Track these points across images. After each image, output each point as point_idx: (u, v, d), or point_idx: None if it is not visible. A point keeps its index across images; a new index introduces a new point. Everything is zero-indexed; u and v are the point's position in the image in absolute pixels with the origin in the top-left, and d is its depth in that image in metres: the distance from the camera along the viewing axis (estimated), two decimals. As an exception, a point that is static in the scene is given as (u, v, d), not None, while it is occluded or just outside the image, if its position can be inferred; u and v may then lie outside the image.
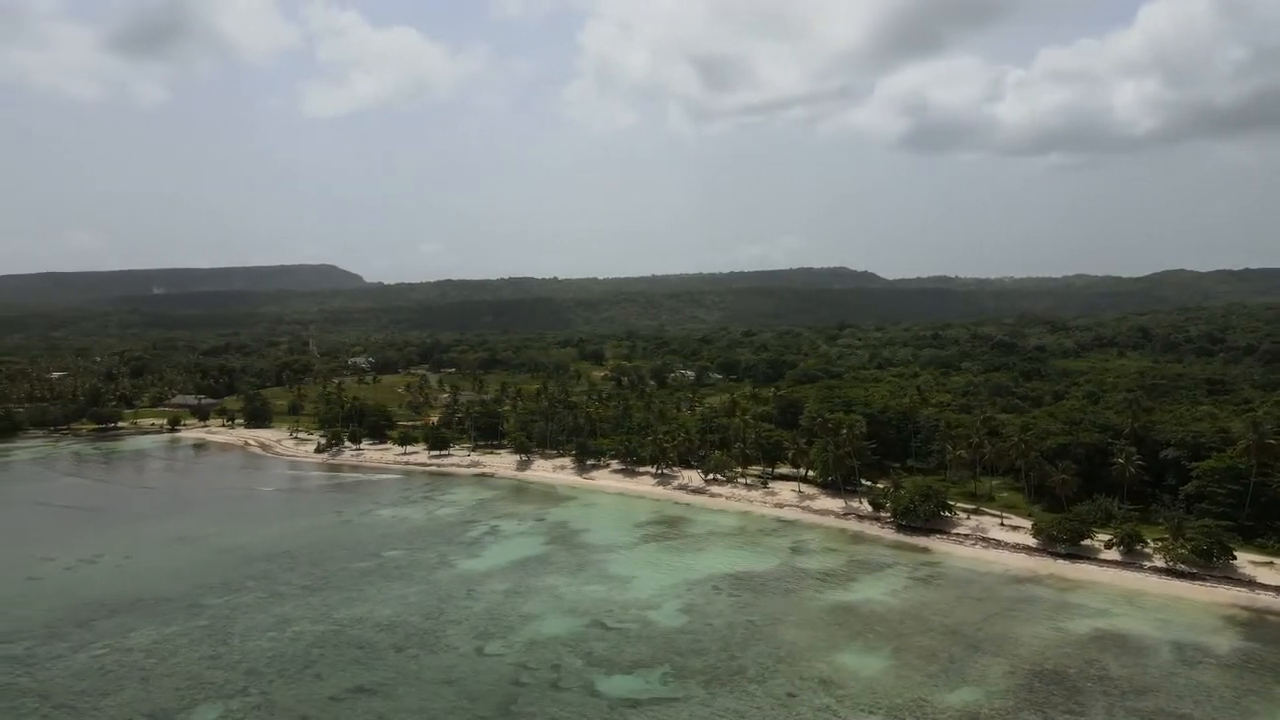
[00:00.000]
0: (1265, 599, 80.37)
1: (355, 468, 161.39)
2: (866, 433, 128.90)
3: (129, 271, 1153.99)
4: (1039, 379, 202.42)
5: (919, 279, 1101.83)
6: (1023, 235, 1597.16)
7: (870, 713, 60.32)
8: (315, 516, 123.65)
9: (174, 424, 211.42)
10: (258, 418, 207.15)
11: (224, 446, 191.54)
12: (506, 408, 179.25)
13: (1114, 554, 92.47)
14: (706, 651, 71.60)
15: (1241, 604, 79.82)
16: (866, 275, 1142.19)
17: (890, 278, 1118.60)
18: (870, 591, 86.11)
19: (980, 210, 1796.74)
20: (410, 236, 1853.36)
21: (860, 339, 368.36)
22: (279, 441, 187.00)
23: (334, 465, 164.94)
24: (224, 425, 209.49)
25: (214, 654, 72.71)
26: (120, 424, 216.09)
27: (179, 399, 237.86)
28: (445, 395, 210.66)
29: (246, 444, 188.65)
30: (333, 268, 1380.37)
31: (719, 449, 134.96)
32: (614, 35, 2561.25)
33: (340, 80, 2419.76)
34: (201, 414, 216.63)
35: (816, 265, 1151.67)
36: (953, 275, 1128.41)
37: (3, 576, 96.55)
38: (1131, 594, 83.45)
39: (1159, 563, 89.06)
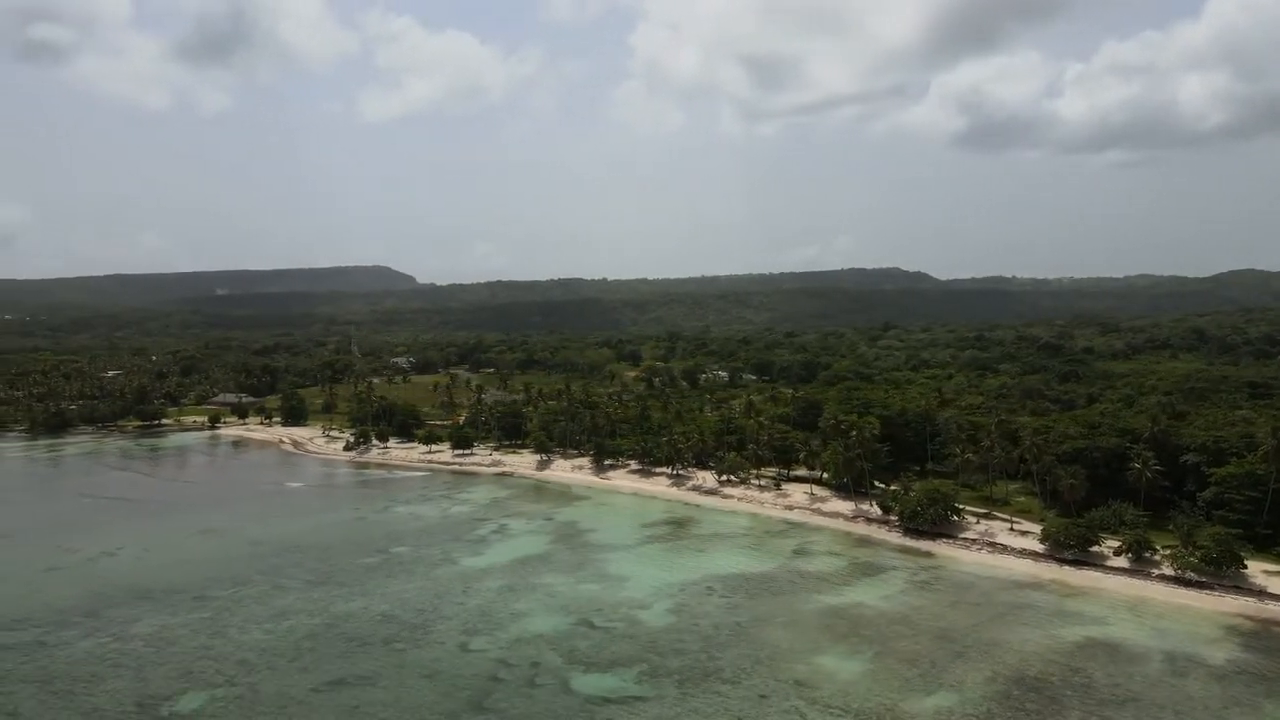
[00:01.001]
0: (1273, 609, 77.95)
1: (380, 465, 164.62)
2: (883, 435, 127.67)
3: (194, 273, 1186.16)
4: (1075, 381, 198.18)
5: (973, 279, 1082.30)
6: (1082, 234, 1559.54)
7: (838, 716, 59.88)
8: (333, 513, 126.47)
9: (214, 421, 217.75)
10: (294, 416, 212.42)
11: (259, 444, 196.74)
12: (529, 408, 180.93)
13: (1122, 561, 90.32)
14: (687, 652, 71.70)
15: (1247, 614, 77.47)
16: (919, 275, 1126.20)
17: (944, 278, 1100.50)
18: (864, 595, 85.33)
19: (1038, 209, 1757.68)
20: (463, 238, 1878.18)
21: (902, 340, 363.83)
22: (311, 439, 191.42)
23: (360, 463, 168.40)
24: (262, 423, 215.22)
25: (209, 644, 74.86)
26: (164, 421, 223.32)
27: (222, 397, 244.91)
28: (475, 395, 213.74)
29: (281, 442, 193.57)
30: (387, 269, 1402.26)
31: (735, 450, 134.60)
32: (664, 36, 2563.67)
33: (395, 84, 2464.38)
34: (241, 412, 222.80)
35: (868, 266, 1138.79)
36: (1008, 275, 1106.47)
37: (27, 566, 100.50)
38: (1134, 602, 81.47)
39: (1168, 571, 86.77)
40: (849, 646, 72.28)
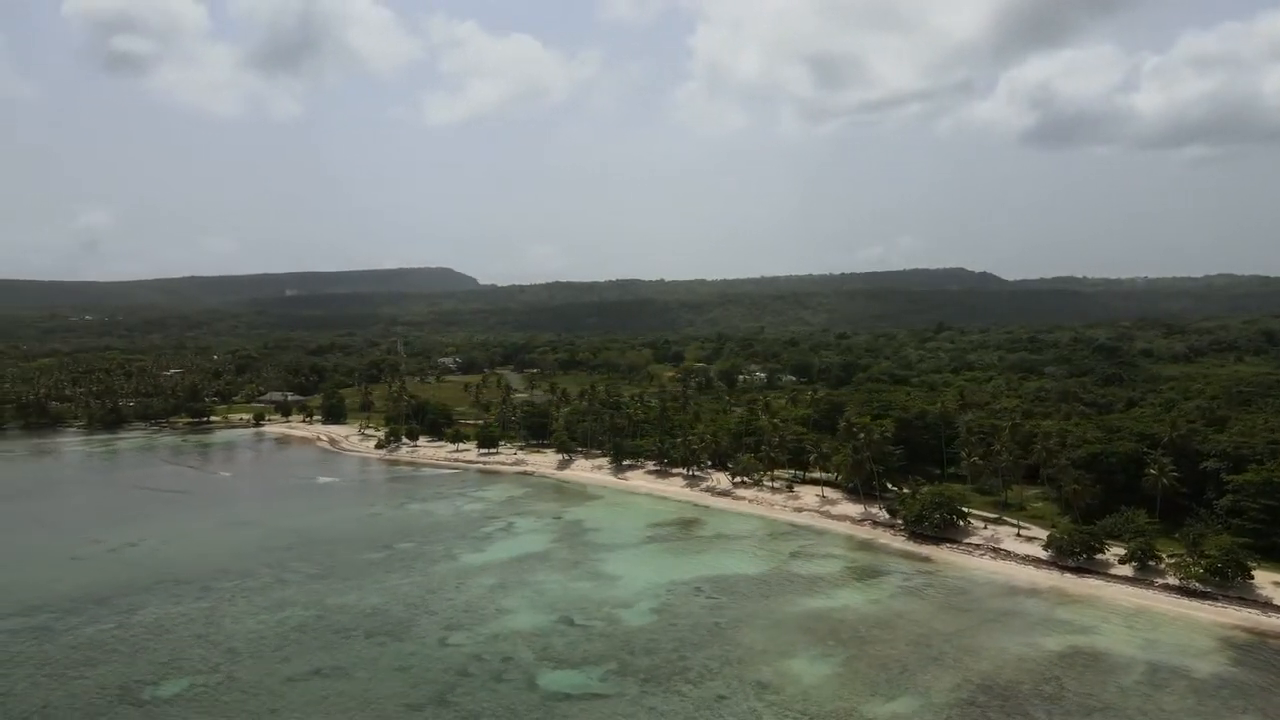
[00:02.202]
0: (1272, 622, 74.89)
1: (408, 463, 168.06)
2: (901, 438, 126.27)
3: (265, 275, 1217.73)
4: (1118, 385, 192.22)
5: (1041, 280, 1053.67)
6: (1158, 233, 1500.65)
7: (793, 718, 59.57)
8: (351, 508, 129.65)
9: (258, 419, 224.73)
10: (333, 414, 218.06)
11: (299, 441, 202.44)
12: (553, 408, 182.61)
13: (1127, 569, 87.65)
14: (658, 651, 71.95)
15: (1245, 626, 74.66)
16: (985, 276, 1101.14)
17: (1011, 279, 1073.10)
18: (852, 599, 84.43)
19: (1111, 207, 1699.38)
20: (524, 240, 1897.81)
21: (953, 342, 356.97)
22: (346, 437, 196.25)
23: (389, 461, 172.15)
24: (304, 421, 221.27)
25: (203, 633, 77.63)
26: (212, 418, 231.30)
27: (269, 396, 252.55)
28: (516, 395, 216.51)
29: (318, 439, 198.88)
30: (449, 270, 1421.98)
31: (751, 452, 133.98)
32: (724, 37, 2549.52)
33: (459, 88, 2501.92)
34: (284, 410, 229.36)
35: (932, 266, 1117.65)
36: (1079, 276, 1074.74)
37: (55, 555, 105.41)
38: (1130, 611, 79.08)
39: (1172, 580, 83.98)
40: (823, 650, 71.70)
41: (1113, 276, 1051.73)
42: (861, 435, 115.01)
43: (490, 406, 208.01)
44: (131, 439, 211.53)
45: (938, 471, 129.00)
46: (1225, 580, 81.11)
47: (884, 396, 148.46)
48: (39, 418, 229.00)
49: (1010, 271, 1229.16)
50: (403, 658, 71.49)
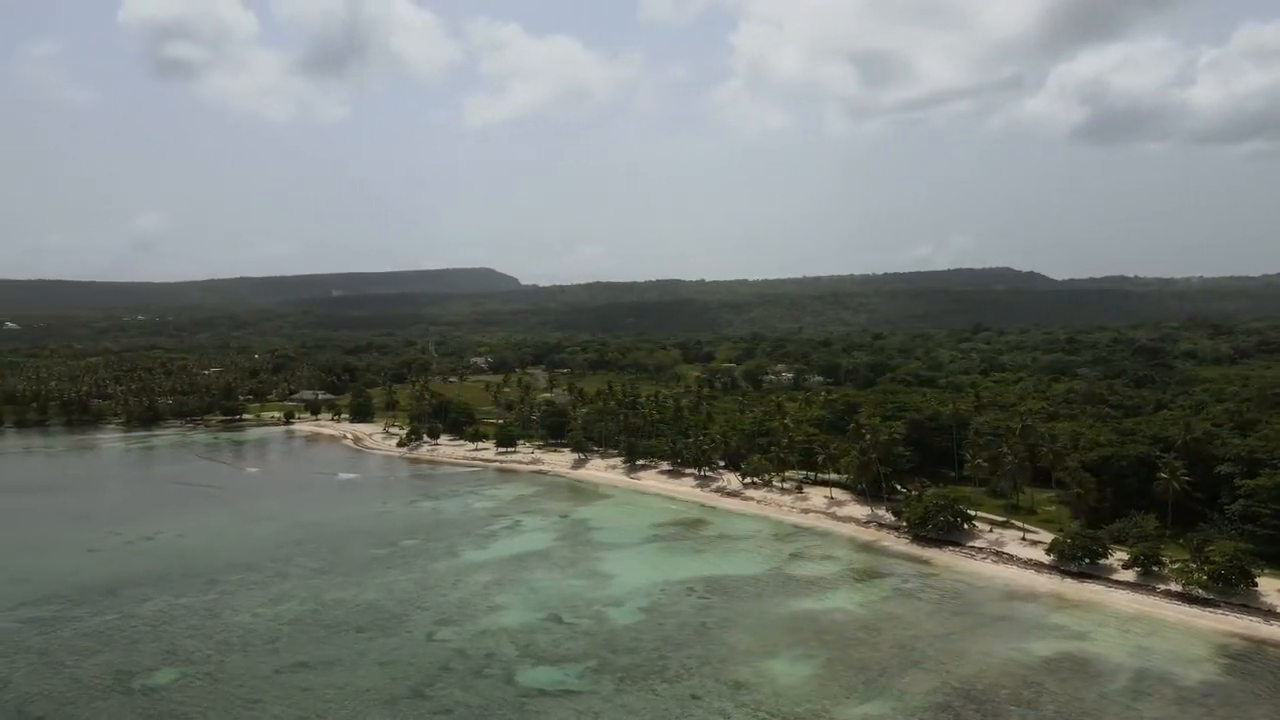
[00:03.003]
0: (1273, 630, 72.82)
1: (427, 461, 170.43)
2: (914, 439, 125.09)
3: (312, 276, 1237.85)
4: (1150, 386, 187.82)
5: (1091, 280, 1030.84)
6: (1215, 230, 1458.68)
7: (763, 719, 59.45)
8: (364, 505, 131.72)
9: (289, 417, 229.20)
10: (361, 413, 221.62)
11: (326, 439, 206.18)
12: (571, 408, 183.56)
13: (1130, 575, 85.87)
14: (640, 650, 72.19)
15: (1245, 633, 72.64)
16: (1032, 276, 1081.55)
17: (1059, 278, 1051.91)
18: (844, 601, 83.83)
19: (1165, 204, 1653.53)
20: (567, 240, 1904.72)
21: (988, 343, 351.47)
22: (370, 435, 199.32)
23: (409, 459, 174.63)
24: (332, 419, 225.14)
25: (201, 625, 79.66)
26: (244, 416, 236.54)
27: (301, 394, 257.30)
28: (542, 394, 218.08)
29: (344, 437, 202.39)
30: (491, 270, 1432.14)
31: (762, 453, 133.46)
32: (766, 35, 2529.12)
33: (500, 90, 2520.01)
34: (314, 409, 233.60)
35: (978, 266, 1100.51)
36: (1131, 275, 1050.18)
37: (72, 547, 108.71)
38: (1128, 617, 77.43)
39: (1175, 586, 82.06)
40: (804, 651, 71.33)
41: (1166, 276, 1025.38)
42: (868, 436, 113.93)
43: (512, 406, 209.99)
44: (166, 436, 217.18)
45: (952, 474, 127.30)
46: (1229, 587, 79.10)
47: (899, 397, 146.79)
48: (80, 415, 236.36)
49: (1059, 271, 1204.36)
50: (388, 652, 72.62)
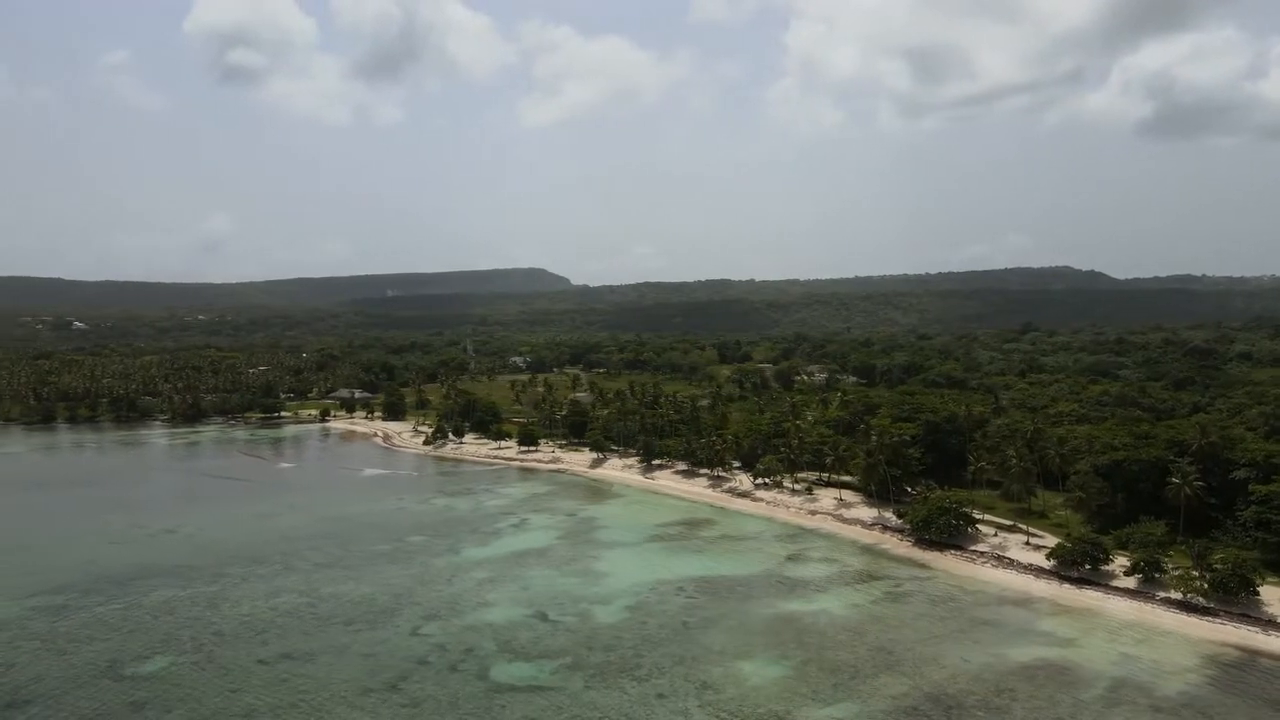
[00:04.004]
0: (1270, 641, 70.53)
1: (450, 459, 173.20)
2: (930, 442, 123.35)
3: (368, 276, 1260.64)
4: (1189, 388, 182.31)
5: (1155, 279, 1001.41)
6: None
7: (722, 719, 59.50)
8: (380, 501, 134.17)
9: (324, 415, 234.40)
10: (393, 411, 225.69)
11: (357, 436, 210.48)
12: (592, 408, 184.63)
13: (1131, 582, 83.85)
14: (617, 648, 72.59)
15: (1239, 644, 70.57)
16: (1092, 275, 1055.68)
17: (1121, 277, 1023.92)
18: (831, 603, 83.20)
19: (1235, 200, 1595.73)
20: (619, 240, 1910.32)
21: (1033, 344, 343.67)
22: (400, 434, 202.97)
23: (434, 456, 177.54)
24: (366, 417, 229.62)
25: (199, 615, 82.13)
26: (283, 414, 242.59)
27: (339, 393, 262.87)
28: (573, 394, 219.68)
29: (374, 435, 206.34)
30: (543, 271, 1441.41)
31: (774, 454, 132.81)
32: (819, 32, 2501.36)
33: (553, 91, 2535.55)
34: (349, 407, 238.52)
35: (1035, 265, 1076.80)
36: (1198, 274, 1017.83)
37: (96, 538, 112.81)
38: (1120, 625, 75.68)
39: (1175, 594, 79.87)
40: (780, 653, 71.05)
41: (1236, 275, 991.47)
42: (874, 438, 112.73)
43: (540, 405, 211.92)
44: (207, 432, 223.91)
45: (968, 477, 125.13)
46: (1229, 596, 76.80)
47: (916, 399, 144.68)
48: (128, 411, 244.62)
49: (1121, 270, 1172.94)
50: (372, 645, 74.10)
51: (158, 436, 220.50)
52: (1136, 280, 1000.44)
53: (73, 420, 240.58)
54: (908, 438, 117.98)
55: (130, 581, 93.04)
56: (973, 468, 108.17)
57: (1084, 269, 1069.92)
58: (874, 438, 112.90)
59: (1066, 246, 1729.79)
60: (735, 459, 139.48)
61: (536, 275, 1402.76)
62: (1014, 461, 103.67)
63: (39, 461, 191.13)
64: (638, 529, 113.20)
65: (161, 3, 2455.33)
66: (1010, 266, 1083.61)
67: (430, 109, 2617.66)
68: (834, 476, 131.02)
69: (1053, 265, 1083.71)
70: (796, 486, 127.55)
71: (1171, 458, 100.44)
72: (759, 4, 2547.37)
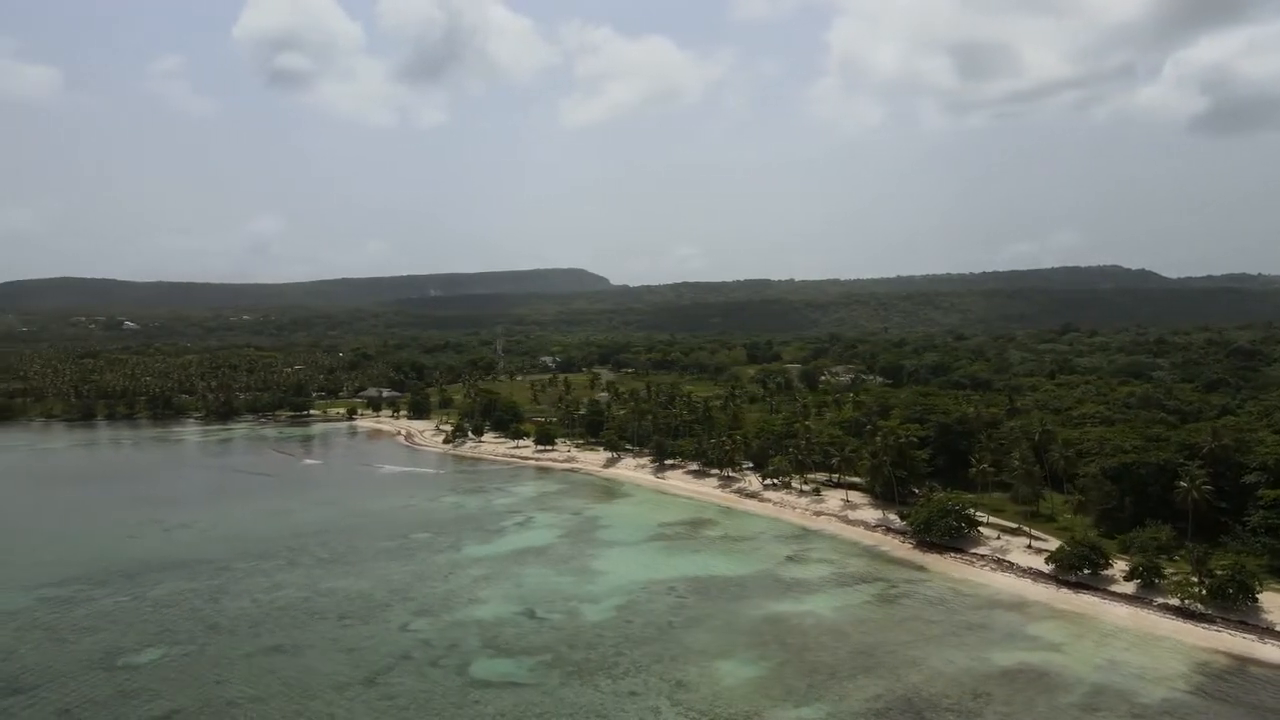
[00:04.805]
0: (1265, 649, 68.69)
1: (468, 457, 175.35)
2: (941, 443, 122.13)
3: (410, 276, 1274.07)
4: (1222, 390, 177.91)
5: (1209, 278, 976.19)
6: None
7: (690, 719, 59.58)
8: (392, 499, 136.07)
9: (351, 413, 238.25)
10: (418, 410, 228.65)
11: (382, 435, 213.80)
12: (607, 408, 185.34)
13: (1130, 587, 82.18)
14: (599, 646, 72.94)
15: (1232, 651, 68.76)
16: (1142, 274, 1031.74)
17: (1173, 276, 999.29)
18: (821, 604, 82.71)
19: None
20: (660, 241, 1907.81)
21: (1069, 344, 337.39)
22: (422, 432, 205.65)
23: (453, 455, 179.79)
24: (392, 416, 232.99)
25: (199, 608, 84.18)
26: (311, 412, 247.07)
27: (367, 392, 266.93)
28: (594, 394, 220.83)
29: (398, 433, 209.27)
30: (583, 271, 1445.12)
31: (783, 454, 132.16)
32: (862, 30, 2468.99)
33: (594, 92, 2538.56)
34: (375, 405, 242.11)
35: (1083, 264, 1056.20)
36: (1253, 273, 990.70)
37: (114, 533, 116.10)
38: (1111, 630, 74.21)
39: (1173, 600, 78.10)
40: (760, 653, 70.87)
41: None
42: (878, 438, 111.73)
43: (557, 404, 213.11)
44: (238, 430, 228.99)
45: (973, 478, 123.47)
46: (1228, 602, 74.95)
47: (930, 400, 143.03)
48: (164, 409, 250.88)
49: (1173, 269, 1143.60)
50: (359, 640, 75.31)
51: (190, 433, 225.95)
52: (1188, 280, 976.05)
53: (111, 417, 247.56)
54: (915, 439, 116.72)
55: (139, 575, 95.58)
56: (974, 470, 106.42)
57: (1134, 268, 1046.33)
58: (878, 438, 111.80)
59: (1116, 245, 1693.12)
60: (746, 459, 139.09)
61: (576, 275, 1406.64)
62: (1016, 463, 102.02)
63: (75, 457, 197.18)
64: (640, 529, 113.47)
65: (212, 10, 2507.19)
66: (1057, 266, 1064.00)
67: (472, 111, 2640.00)
68: (844, 478, 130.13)
69: (1101, 264, 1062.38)
70: (805, 487, 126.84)
71: (1181, 461, 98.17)
72: (800, 2, 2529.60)
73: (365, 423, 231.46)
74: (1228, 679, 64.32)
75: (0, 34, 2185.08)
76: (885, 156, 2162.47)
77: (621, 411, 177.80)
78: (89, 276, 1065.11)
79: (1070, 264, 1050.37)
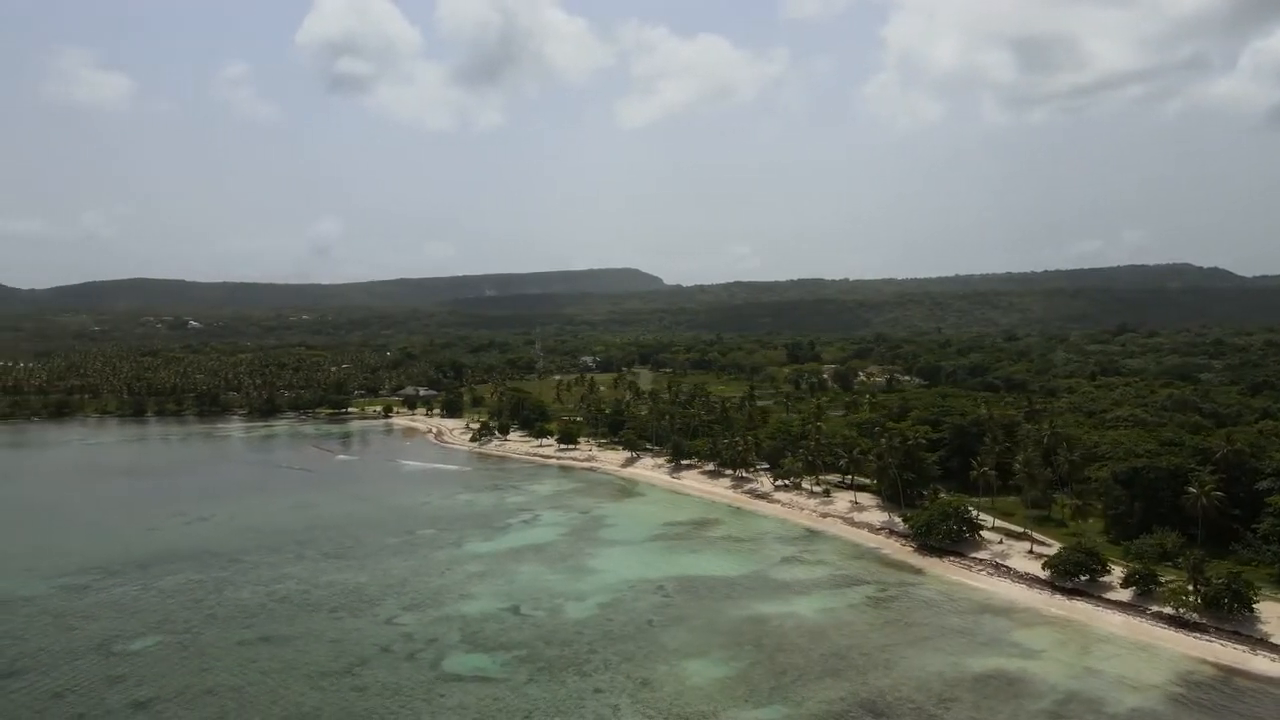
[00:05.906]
0: (1256, 660, 66.42)
1: (492, 455, 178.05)
2: (956, 446, 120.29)
3: (466, 276, 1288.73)
4: (1265, 393, 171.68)
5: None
6: None
7: (648, 717, 59.86)
8: (409, 495, 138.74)
9: (387, 411, 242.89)
10: (451, 409, 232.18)
11: (415, 432, 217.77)
12: (628, 408, 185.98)
13: (1125, 594, 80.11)
14: (574, 643, 73.59)
15: (1219, 661, 66.72)
16: (1213, 272, 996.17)
17: (1247, 275, 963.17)
18: (806, 606, 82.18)
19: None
20: (715, 240, 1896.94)
21: (1122, 345, 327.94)
22: (451, 430, 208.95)
23: (479, 453, 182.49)
24: (425, 414, 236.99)
25: (200, 598, 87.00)
26: (349, 410, 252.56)
27: (406, 390, 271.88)
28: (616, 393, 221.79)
29: (429, 431, 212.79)
30: (636, 271, 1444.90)
31: (794, 455, 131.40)
32: (919, 24, 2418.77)
33: (649, 91, 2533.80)
34: (411, 404, 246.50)
35: (1151, 262, 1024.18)
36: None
37: (137, 525, 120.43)
38: (1098, 638, 72.51)
39: (1168, 609, 75.93)
40: (732, 654, 70.79)
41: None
42: (883, 440, 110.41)
43: (581, 404, 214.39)
44: (279, 426, 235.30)
45: (974, 480, 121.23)
46: (1223, 611, 72.64)
47: (948, 401, 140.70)
48: (211, 405, 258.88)
49: (1248, 267, 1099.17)
50: (345, 632, 77.09)
51: (233, 429, 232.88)
52: (1263, 278, 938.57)
53: (160, 414, 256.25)
54: (925, 440, 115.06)
55: (152, 566, 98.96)
56: (974, 472, 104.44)
57: (1205, 266, 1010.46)
58: (884, 440, 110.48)
59: (1187, 243, 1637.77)
60: (761, 460, 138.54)
61: (630, 275, 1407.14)
62: (1019, 466, 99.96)
63: (121, 451, 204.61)
64: (644, 528, 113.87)
65: (276, 17, 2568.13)
66: (1126, 264, 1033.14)
67: (529, 112, 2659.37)
68: (856, 479, 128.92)
69: (1171, 262, 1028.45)
70: (815, 488, 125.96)
71: (1193, 466, 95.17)
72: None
73: (400, 420, 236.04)
74: (1209, 690, 62.44)
75: (80, 45, 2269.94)
76: (944, 153, 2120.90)
77: (642, 411, 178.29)
78: (160, 278, 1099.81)
79: (1138, 262, 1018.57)
